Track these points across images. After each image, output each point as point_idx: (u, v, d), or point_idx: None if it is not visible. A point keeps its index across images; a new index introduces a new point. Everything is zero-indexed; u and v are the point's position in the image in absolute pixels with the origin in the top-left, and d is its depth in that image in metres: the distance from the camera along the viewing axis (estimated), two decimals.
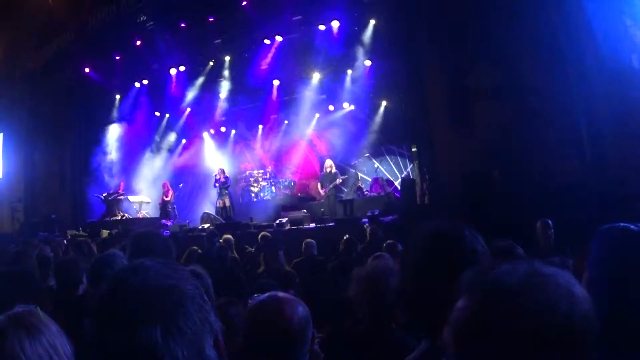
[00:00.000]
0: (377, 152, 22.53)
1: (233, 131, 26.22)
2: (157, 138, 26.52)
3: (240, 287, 8.04)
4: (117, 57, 24.03)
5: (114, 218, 22.40)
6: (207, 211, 21.97)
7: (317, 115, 23.75)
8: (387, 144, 22.42)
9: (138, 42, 23.00)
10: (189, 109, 25.64)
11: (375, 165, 22.40)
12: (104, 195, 23.34)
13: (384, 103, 21.85)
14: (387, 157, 22.60)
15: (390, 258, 6.06)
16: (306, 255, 10.44)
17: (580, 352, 1.30)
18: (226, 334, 3.38)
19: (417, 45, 17.31)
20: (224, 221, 19.94)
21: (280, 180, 24.39)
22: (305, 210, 18.46)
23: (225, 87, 24.29)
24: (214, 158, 25.37)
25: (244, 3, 20.37)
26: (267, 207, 22.62)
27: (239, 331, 2.74)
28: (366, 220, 15.61)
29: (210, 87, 24.56)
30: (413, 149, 18.96)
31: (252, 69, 22.92)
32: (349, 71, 21.83)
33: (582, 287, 1.37)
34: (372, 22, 20.00)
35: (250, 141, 26.16)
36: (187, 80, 24.65)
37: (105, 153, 25.29)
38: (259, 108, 24.68)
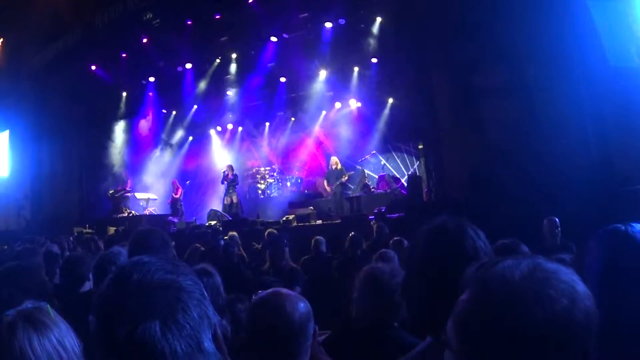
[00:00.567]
0: (384, 149, 22.52)
1: (240, 128, 26.29)
2: (164, 135, 26.60)
3: (246, 284, 8.07)
4: (124, 55, 24.03)
5: (121, 215, 22.45)
6: (214, 208, 21.98)
7: (324, 112, 23.81)
8: (393, 141, 22.42)
9: (144, 40, 23.01)
10: (195, 106, 25.68)
11: (382, 163, 22.37)
12: (111, 192, 23.41)
13: (390, 100, 21.85)
14: (394, 154, 22.59)
15: (395, 255, 6.08)
16: (315, 252, 10.46)
17: (580, 348, 1.32)
18: (233, 329, 3.39)
19: (424, 42, 17.28)
20: (230, 218, 19.95)
21: (287, 177, 24.42)
22: (311, 207, 18.48)
23: (232, 84, 24.31)
24: (221, 155, 25.44)
25: (251, 1, 20.35)
26: (273, 204, 22.68)
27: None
28: (372, 217, 15.61)
29: (217, 85, 24.61)
30: (420, 146, 18.98)
31: (259, 67, 22.93)
32: (356, 68, 21.88)
33: (584, 285, 1.38)
34: (379, 19, 19.98)
35: (257, 138, 26.22)
36: (193, 77, 24.66)
37: (111, 150, 25.32)
38: (265, 105, 24.76)
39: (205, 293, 1.55)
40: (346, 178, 19.65)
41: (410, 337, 3.41)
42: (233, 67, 23.87)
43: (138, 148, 25.95)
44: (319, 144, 24.64)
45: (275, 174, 24.56)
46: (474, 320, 1.36)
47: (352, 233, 10.80)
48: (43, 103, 25.76)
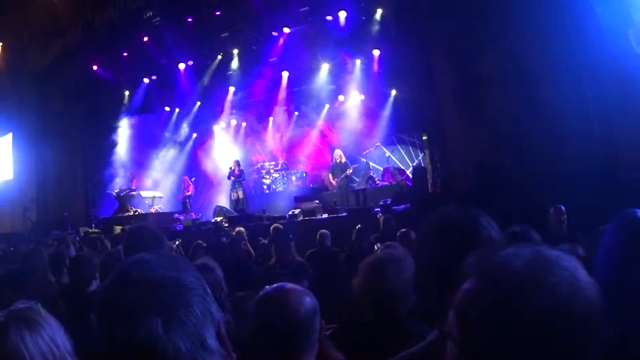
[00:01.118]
0: (388, 141, 22.49)
1: (244, 124, 26.23)
2: (167, 133, 26.57)
3: (252, 279, 8.07)
4: (125, 54, 24.07)
5: (127, 214, 22.46)
6: (219, 204, 21.98)
7: (327, 105, 23.77)
8: (397, 133, 22.39)
9: (145, 38, 23.03)
10: (198, 103, 25.68)
11: (387, 155, 22.35)
12: (116, 191, 23.40)
13: (393, 92, 21.79)
14: (398, 146, 22.56)
15: (400, 247, 6.07)
16: (320, 246, 10.47)
17: (581, 336, 1.30)
18: (242, 326, 3.37)
19: (426, 33, 17.30)
20: (236, 214, 19.97)
21: (292, 171, 24.40)
22: (317, 201, 18.46)
23: (234, 80, 24.32)
24: (225, 151, 25.40)
25: None
26: (279, 198, 22.69)
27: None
28: (378, 209, 15.61)
29: (220, 81, 24.60)
30: (424, 138, 18.97)
31: (261, 62, 22.94)
32: (358, 61, 21.85)
33: (587, 274, 1.37)
34: (380, 11, 19.97)
35: (261, 133, 26.18)
36: (195, 74, 24.68)
37: (116, 149, 25.34)
38: (268, 100, 24.73)
39: (208, 289, 1.53)
40: (351, 171, 19.62)
41: (420, 326, 3.39)
42: (235, 63, 23.87)
43: (142, 146, 25.96)
44: (323, 138, 24.61)
45: (280, 168, 24.55)
46: (474, 309, 1.35)
47: (359, 226, 10.83)
48: (45, 104, 25.80)
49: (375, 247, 8.67)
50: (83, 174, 25.54)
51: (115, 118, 25.67)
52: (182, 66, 24.26)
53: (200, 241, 11.49)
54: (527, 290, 1.29)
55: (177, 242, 13.10)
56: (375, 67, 21.47)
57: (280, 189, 23.96)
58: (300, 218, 16.91)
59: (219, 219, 19.42)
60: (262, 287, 2.88)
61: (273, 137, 25.71)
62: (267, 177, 24.27)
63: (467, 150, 15.90)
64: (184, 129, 26.45)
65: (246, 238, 12.39)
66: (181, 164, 26.12)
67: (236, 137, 26.28)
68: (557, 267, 1.33)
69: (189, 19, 21.85)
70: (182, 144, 26.59)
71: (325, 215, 17.15)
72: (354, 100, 22.95)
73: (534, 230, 4.94)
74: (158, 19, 22.09)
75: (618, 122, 13.49)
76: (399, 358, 2.28)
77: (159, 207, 24.03)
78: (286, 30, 21.77)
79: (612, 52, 13.24)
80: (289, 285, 2.81)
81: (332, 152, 21.34)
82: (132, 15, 22.20)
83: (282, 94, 24.24)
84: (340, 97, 23.41)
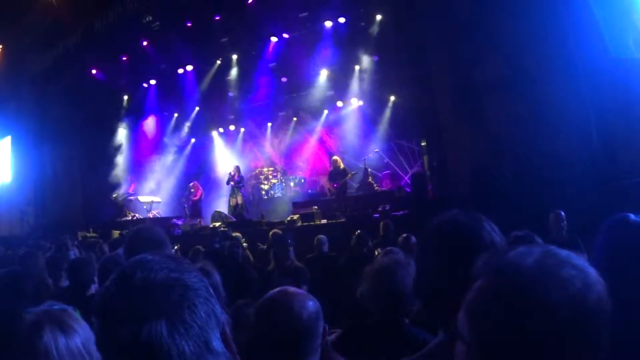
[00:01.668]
0: (387, 147, 22.49)
1: (242, 129, 26.32)
2: (166, 138, 26.60)
3: (251, 284, 8.06)
4: (124, 58, 24.10)
5: (125, 218, 22.46)
6: (218, 210, 21.97)
7: (326, 111, 23.84)
8: (396, 139, 22.40)
9: (144, 43, 23.06)
10: (197, 108, 25.77)
11: (385, 160, 22.37)
12: (114, 196, 23.43)
13: (392, 98, 21.83)
14: (397, 152, 22.55)
15: (401, 252, 6.06)
16: (318, 251, 10.46)
17: (595, 332, 1.30)
18: (241, 334, 3.35)
19: (425, 39, 17.28)
20: (235, 219, 19.97)
21: (291, 177, 24.44)
22: (316, 207, 18.43)
23: (233, 85, 24.37)
24: (224, 156, 25.44)
25: (250, 1, 20.36)
26: (278, 204, 22.75)
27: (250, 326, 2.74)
28: (377, 215, 15.60)
29: (218, 86, 24.69)
30: (422, 144, 18.94)
31: (260, 67, 22.99)
32: (357, 67, 21.89)
33: (596, 272, 1.37)
34: (378, 17, 20.03)
35: (259, 139, 26.22)
36: (194, 79, 24.75)
37: (114, 154, 25.36)
38: (267, 106, 24.77)
39: (211, 290, 1.51)
40: (350, 176, 19.62)
41: (422, 333, 3.38)
42: (234, 68, 23.96)
43: (140, 151, 26.02)
44: (322, 143, 24.65)
45: (278, 174, 24.60)
46: (488, 309, 1.35)
47: (359, 231, 10.83)
48: (44, 108, 25.81)
49: (376, 253, 8.65)
50: (81, 177, 25.51)
51: (114, 122, 25.76)
52: (181, 71, 24.34)
53: (199, 246, 11.48)
54: (541, 286, 1.29)
55: (176, 247, 13.09)
56: (374, 73, 21.51)
57: (278, 194, 24.00)
58: (299, 224, 16.89)
59: (217, 224, 19.40)
60: (262, 293, 2.87)
61: (272, 142, 25.77)
62: (266, 182, 24.31)
63: (466, 156, 15.90)
64: (183, 134, 26.48)
65: (244, 244, 12.38)
66: (179, 169, 26.14)
67: (235, 142, 26.35)
68: (568, 265, 1.34)
69: (189, 24, 21.85)
70: (180, 149, 26.62)
71: (324, 221, 17.12)
72: (352, 106, 23.00)
73: (535, 234, 4.95)
74: (157, 23, 22.11)
75: (617, 127, 13.50)
76: None
77: (157, 212, 24.03)
78: (285, 36, 21.82)
79: (611, 57, 13.26)
80: (292, 289, 2.79)
81: (330, 157, 21.33)
82: (131, 20, 22.21)
83: (280, 99, 24.30)
84: (339, 103, 23.47)
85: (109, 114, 25.61)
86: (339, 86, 22.75)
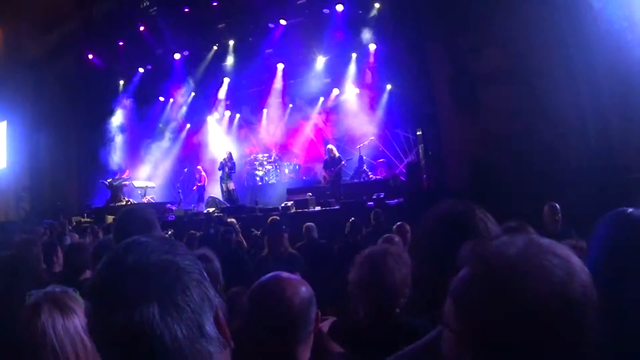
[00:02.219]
0: (382, 135, 22.46)
1: (238, 115, 26.28)
2: (161, 123, 26.57)
3: (244, 270, 8.07)
4: (121, 43, 24.10)
5: (119, 203, 22.43)
6: (212, 195, 21.96)
7: (322, 98, 23.80)
8: (392, 128, 22.36)
9: (141, 28, 23.05)
10: (193, 94, 25.73)
11: (381, 149, 22.36)
12: (109, 181, 23.38)
13: (389, 86, 21.80)
14: (393, 141, 22.53)
15: (400, 240, 6.07)
16: (307, 238, 10.48)
17: (579, 319, 1.32)
18: (236, 322, 3.35)
19: (423, 28, 17.28)
20: (229, 205, 19.96)
21: (285, 163, 24.40)
22: (310, 194, 18.42)
23: (229, 71, 24.35)
24: (219, 142, 25.39)
25: None
26: (272, 190, 22.71)
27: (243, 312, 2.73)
28: (371, 203, 15.61)
29: (215, 72, 24.67)
30: (418, 133, 18.94)
31: (256, 53, 22.96)
32: (354, 55, 21.88)
33: (580, 261, 1.39)
34: (377, 5, 20.01)
35: (254, 125, 26.17)
36: (191, 65, 24.76)
37: (110, 139, 25.35)
38: (263, 92, 24.74)
39: (205, 273, 1.48)
40: (344, 164, 19.60)
41: (414, 323, 3.38)
42: (230, 54, 23.92)
43: (135, 136, 25.98)
44: (317, 131, 24.61)
45: (273, 160, 24.53)
46: (471, 296, 1.37)
47: (352, 219, 10.84)
48: (40, 93, 25.73)
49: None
50: (77, 163, 25.53)
51: (110, 107, 25.68)
52: (177, 56, 24.30)
53: (193, 231, 11.49)
54: (523, 275, 1.31)
55: (169, 232, 13.09)
56: (371, 61, 21.49)
57: (273, 180, 23.96)
58: (293, 210, 16.89)
59: (211, 209, 19.40)
60: (255, 279, 2.86)
61: (267, 129, 25.69)
62: (260, 168, 24.26)
63: (461, 146, 15.92)
64: (178, 119, 26.45)
65: (239, 230, 12.37)
66: (174, 155, 26.11)
67: (230, 128, 26.32)
68: (551, 254, 1.35)
69: (186, 10, 21.85)
70: (175, 134, 26.58)
71: (317, 208, 17.14)
72: (349, 93, 22.95)
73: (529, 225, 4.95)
74: (155, 9, 22.11)
75: (614, 121, 13.53)
76: (400, 354, 2.26)
77: (151, 197, 24.01)
78: (283, 22, 21.83)
79: (608, 51, 13.26)
80: (285, 274, 2.77)
81: (325, 145, 21.30)
82: (128, 5, 22.23)
83: (277, 86, 24.28)
84: (335, 91, 23.42)
85: (105, 99, 25.59)
86: (336, 73, 22.70)
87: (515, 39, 14.75)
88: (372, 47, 21.06)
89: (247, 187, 24.12)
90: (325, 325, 3.30)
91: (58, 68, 24.83)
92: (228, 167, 21.41)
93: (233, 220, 13.34)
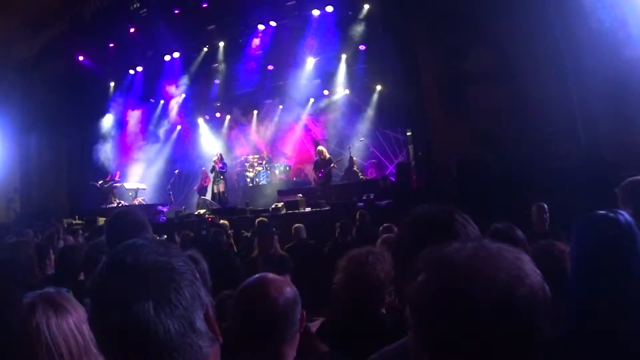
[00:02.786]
0: (372, 136, 22.54)
1: (228, 117, 26.33)
2: (152, 125, 26.57)
3: (234, 272, 8.11)
4: (111, 45, 24.09)
5: (110, 205, 22.42)
6: (203, 197, 21.98)
7: (312, 100, 23.88)
8: (382, 128, 22.45)
9: (132, 30, 23.04)
10: (183, 95, 25.72)
11: (371, 149, 22.43)
12: (100, 182, 23.36)
13: (378, 87, 21.89)
14: (383, 141, 22.59)
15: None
16: (296, 239, 10.54)
17: (524, 322, 1.37)
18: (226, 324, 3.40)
19: (412, 29, 17.30)
20: (219, 206, 19.98)
21: (276, 165, 24.43)
22: (300, 195, 18.42)
23: (219, 72, 24.39)
24: (210, 143, 25.42)
25: None
26: (262, 191, 22.72)
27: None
28: (362, 204, 15.64)
29: (205, 73, 24.73)
30: (408, 134, 18.99)
31: (247, 55, 23.02)
32: (343, 56, 21.94)
33: (531, 263, 1.45)
34: (366, 6, 20.07)
35: (245, 126, 26.21)
36: (181, 66, 24.76)
37: (100, 141, 25.27)
38: (253, 93, 24.82)
39: (197, 274, 1.59)
40: (335, 165, 19.63)
41: (398, 323, 3.45)
42: (221, 56, 23.97)
43: (126, 138, 25.96)
44: (308, 132, 24.68)
45: (264, 162, 24.55)
46: (423, 301, 1.43)
47: (343, 220, 10.88)
48: (30, 94, 25.62)
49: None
50: (67, 165, 25.41)
51: (100, 109, 25.64)
52: (168, 58, 24.31)
53: (187, 231, 11.55)
54: (468, 280, 1.37)
55: (164, 237, 13.13)
56: (361, 62, 21.56)
57: (263, 182, 24.01)
58: (283, 211, 16.92)
59: (202, 211, 19.41)
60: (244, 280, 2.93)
61: (257, 130, 25.72)
62: (251, 170, 24.31)
63: (451, 147, 15.94)
64: (169, 121, 26.45)
65: (228, 232, 12.40)
66: (165, 156, 26.11)
67: (220, 129, 26.37)
68: (497, 258, 1.41)
69: (176, 11, 21.86)
70: (166, 136, 26.57)
71: (308, 209, 17.16)
72: (338, 94, 23.02)
73: (516, 227, 5.01)
74: (145, 10, 22.09)
75: (603, 120, 13.58)
76: (379, 354, 2.32)
77: (142, 198, 23.99)
78: (272, 23, 21.83)
79: (598, 50, 13.31)
80: (271, 275, 2.84)
81: (315, 146, 21.34)
82: (119, 6, 22.17)
83: (267, 87, 24.30)
84: (325, 92, 23.49)
85: (95, 101, 25.49)
86: (326, 75, 22.77)
87: (504, 39, 14.79)
88: (362, 48, 21.13)
89: (237, 188, 24.15)
90: (314, 326, 3.36)
91: (48, 69, 24.73)
92: (218, 168, 21.42)
93: (225, 222, 13.38)
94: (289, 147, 24.91)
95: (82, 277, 5.50)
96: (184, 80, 24.95)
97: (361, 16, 20.34)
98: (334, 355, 3.13)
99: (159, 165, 25.68)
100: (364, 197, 16.27)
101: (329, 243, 10.74)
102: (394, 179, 19.08)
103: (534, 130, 14.18)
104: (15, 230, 15.28)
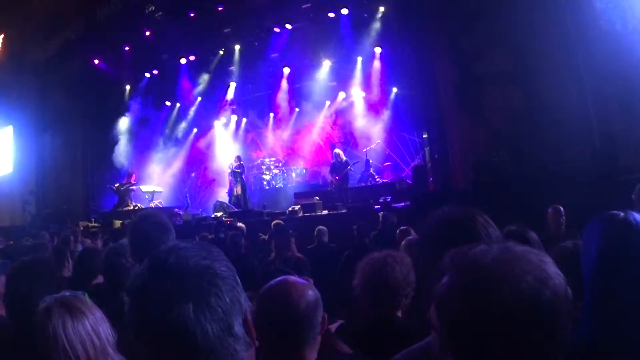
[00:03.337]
0: (389, 138, 22.48)
1: (244, 119, 26.35)
2: (168, 128, 26.64)
3: (253, 274, 8.10)
4: (127, 48, 24.11)
5: (126, 208, 22.50)
6: (220, 200, 22.01)
7: (328, 102, 23.83)
8: (398, 131, 22.38)
9: (147, 33, 23.05)
10: (199, 98, 25.76)
11: (387, 152, 22.39)
12: (116, 185, 23.42)
13: (394, 90, 21.85)
14: (399, 144, 22.55)
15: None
16: (318, 242, 10.52)
17: (549, 324, 1.38)
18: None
19: (427, 31, 17.30)
20: (236, 209, 20.01)
21: (292, 167, 24.38)
22: (317, 198, 18.44)
23: (235, 75, 24.42)
24: (226, 147, 25.45)
25: None
26: (279, 194, 22.70)
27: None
28: (378, 206, 15.62)
29: (221, 76, 24.73)
30: (424, 136, 18.98)
31: (262, 58, 23.02)
32: (359, 58, 21.90)
33: (554, 266, 1.45)
34: (382, 9, 20.05)
35: (261, 129, 26.23)
36: (197, 69, 24.81)
37: (116, 144, 25.36)
38: (269, 96, 24.81)
39: (238, 279, 1.62)
40: (351, 168, 19.62)
41: (414, 327, 3.42)
42: (236, 59, 23.96)
43: (142, 141, 26.01)
44: (324, 134, 24.64)
45: (280, 164, 24.53)
46: (449, 303, 1.44)
47: (360, 223, 10.86)
48: (46, 97, 25.81)
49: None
50: (83, 167, 25.57)
51: (116, 112, 25.74)
52: (183, 61, 24.34)
53: (205, 233, 11.58)
54: (495, 282, 1.37)
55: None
56: (377, 64, 21.53)
57: (280, 185, 23.96)
58: (300, 214, 16.93)
59: (219, 214, 19.45)
60: (263, 283, 2.93)
61: (273, 133, 25.72)
62: (267, 173, 24.26)
63: (467, 149, 15.94)
64: (185, 124, 26.52)
65: (244, 235, 12.41)
66: (181, 159, 26.18)
67: (236, 132, 26.37)
68: (523, 260, 1.42)
69: (191, 14, 21.88)
70: (182, 139, 26.64)
71: (325, 212, 17.16)
72: (355, 97, 23.00)
73: (530, 229, 4.98)
74: (160, 13, 22.11)
75: (618, 122, 13.53)
76: (405, 353, 2.32)
77: (158, 201, 24.04)
78: (288, 26, 21.84)
79: (612, 51, 13.24)
80: (292, 278, 2.85)
81: (332, 149, 21.35)
82: (134, 10, 22.23)
83: (283, 90, 24.29)
84: (341, 94, 23.47)
85: (110, 104, 25.66)
86: (342, 77, 22.74)
87: (519, 40, 14.76)
88: (378, 50, 21.11)
89: (254, 191, 24.15)
90: (333, 327, 3.35)
91: (63, 72, 24.88)
92: (236, 170, 21.46)
93: (242, 225, 13.39)
94: (305, 150, 24.89)
95: (99, 279, 5.52)
96: (200, 83, 24.98)
97: (377, 18, 20.30)
98: (355, 357, 3.13)
99: (175, 168, 25.74)
100: (381, 200, 16.28)
101: (347, 246, 10.72)
102: (410, 182, 19.05)
103: (549, 131, 14.14)
104: (31, 233, 15.36)
